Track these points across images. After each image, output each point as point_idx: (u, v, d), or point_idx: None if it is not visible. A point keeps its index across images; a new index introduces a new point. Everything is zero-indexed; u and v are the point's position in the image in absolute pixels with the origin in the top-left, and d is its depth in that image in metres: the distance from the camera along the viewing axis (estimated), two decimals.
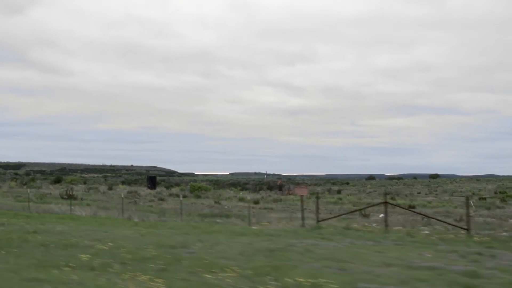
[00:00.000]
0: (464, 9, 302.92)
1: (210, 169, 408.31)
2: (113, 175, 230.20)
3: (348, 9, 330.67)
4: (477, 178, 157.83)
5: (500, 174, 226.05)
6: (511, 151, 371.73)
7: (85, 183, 79.73)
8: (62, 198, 30.00)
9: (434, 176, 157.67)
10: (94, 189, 53.21)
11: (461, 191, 76.14)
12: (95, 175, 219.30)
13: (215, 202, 36.46)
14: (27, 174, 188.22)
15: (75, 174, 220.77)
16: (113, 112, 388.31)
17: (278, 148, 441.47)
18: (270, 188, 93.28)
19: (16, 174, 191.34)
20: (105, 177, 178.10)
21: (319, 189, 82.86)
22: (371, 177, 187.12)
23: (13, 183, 51.72)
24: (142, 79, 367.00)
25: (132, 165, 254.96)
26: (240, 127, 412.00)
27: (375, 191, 78.26)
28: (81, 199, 33.89)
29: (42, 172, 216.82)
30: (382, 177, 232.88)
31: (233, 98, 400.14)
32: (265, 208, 30.94)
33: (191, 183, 60.85)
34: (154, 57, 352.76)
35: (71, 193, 32.96)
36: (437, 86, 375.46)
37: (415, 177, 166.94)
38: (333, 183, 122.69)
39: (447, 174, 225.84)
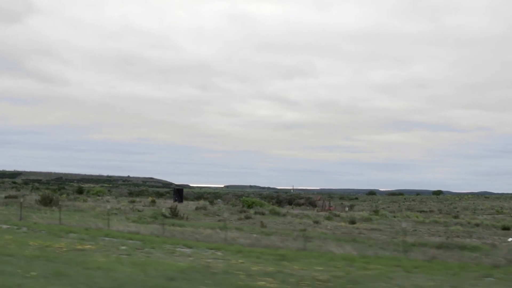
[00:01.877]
0: (461, 26, 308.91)
1: (205, 181, 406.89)
2: (111, 185, 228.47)
3: (347, 24, 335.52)
4: (485, 196, 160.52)
5: (494, 191, 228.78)
6: (505, 168, 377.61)
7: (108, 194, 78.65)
8: (166, 217, 26.31)
9: (438, 193, 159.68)
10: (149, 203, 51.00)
11: (482, 209, 77.43)
12: (92, 185, 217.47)
13: (315, 222, 31.67)
14: (25, 183, 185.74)
15: (71, 183, 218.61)
16: (108, 123, 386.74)
17: (273, 161, 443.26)
18: (298, 204, 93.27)
19: (14, 183, 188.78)
20: (109, 188, 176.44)
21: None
22: (371, 192, 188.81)
23: (63, 196, 50.84)
24: (138, 90, 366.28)
25: (128, 176, 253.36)
26: (235, 140, 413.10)
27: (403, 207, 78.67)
28: (187, 218, 29.48)
29: (39, 181, 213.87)
30: (379, 192, 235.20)
31: (229, 111, 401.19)
32: (372, 229, 28.68)
33: (244, 197, 60.06)
34: (151, 69, 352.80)
35: (175, 212, 29.50)
36: (432, 102, 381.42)
37: (418, 193, 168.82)
38: (331, 197, 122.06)
39: (443, 191, 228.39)
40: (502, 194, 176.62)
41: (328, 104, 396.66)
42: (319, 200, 65.74)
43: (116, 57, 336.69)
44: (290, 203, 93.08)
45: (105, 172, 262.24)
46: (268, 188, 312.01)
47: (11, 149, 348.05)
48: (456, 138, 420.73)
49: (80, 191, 74.21)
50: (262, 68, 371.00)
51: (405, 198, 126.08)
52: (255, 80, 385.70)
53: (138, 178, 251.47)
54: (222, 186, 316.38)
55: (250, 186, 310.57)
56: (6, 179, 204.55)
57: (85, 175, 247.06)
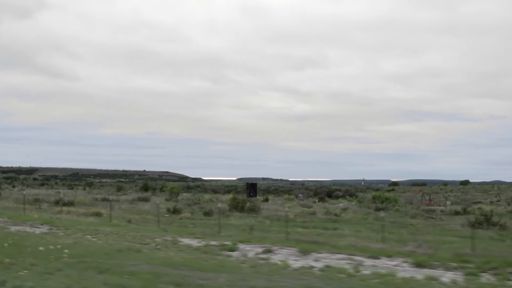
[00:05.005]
0: (477, 14, 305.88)
1: (217, 174, 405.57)
2: (127, 180, 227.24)
3: (359, 13, 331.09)
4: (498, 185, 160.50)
5: (507, 180, 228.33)
6: None
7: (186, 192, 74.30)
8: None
9: (465, 183, 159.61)
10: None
11: None
12: (108, 180, 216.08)
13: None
14: (47, 179, 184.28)
15: (87, 179, 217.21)
16: (119, 118, 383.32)
17: (284, 153, 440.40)
18: (337, 196, 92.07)
19: (35, 179, 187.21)
20: (138, 183, 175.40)
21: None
22: (394, 183, 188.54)
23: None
24: (149, 84, 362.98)
25: (144, 170, 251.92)
26: (246, 132, 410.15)
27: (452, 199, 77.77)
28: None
29: (55, 177, 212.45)
30: (387, 182, 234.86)
31: (240, 104, 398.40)
32: None
33: (374, 193, 56.00)
34: (161, 62, 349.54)
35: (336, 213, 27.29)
36: (445, 92, 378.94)
37: (445, 183, 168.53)
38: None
39: (454, 180, 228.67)
40: None
41: (340, 95, 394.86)
42: (418, 193, 62.51)
43: (126, 51, 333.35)
44: (329, 196, 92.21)
45: (118, 167, 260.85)
46: (281, 180, 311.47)
47: (24, 146, 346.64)
48: (469, 127, 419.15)
49: (145, 188, 72.73)
50: (274, 60, 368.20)
51: (441, 189, 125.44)
52: (267, 72, 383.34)
53: (154, 172, 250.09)
54: (235, 178, 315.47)
55: (263, 179, 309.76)
56: (23, 176, 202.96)
57: (101, 170, 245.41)
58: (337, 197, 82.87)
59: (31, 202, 28.08)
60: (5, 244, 10.58)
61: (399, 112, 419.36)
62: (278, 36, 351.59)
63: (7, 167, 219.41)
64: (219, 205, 22.30)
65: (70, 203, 26.71)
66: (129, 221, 17.63)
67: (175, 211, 25.21)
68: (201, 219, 23.16)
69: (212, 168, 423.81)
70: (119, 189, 76.56)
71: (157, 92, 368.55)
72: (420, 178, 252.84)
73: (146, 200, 35.75)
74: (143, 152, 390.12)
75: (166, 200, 40.87)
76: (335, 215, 28.95)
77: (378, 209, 33.36)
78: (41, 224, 16.70)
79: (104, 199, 33.48)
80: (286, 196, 64.37)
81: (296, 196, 72.16)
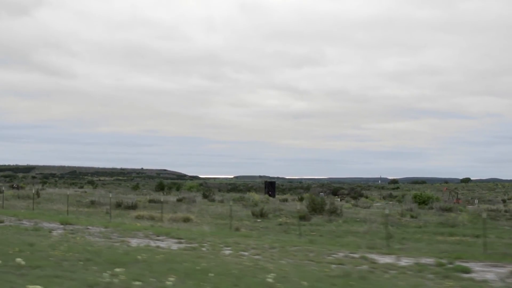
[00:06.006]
0: (477, 12, 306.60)
1: (214, 172, 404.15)
2: (126, 178, 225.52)
3: (358, 11, 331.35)
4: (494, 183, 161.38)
5: (503, 178, 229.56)
6: None
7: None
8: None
9: (466, 180, 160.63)
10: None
11: None
12: (106, 179, 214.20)
13: None
14: (45, 177, 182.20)
15: (85, 177, 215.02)
16: (116, 115, 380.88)
17: (281, 151, 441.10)
18: (342, 194, 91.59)
19: (33, 177, 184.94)
20: (136, 182, 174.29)
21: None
22: (394, 181, 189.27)
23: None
24: (146, 82, 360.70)
25: (142, 168, 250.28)
26: (244, 130, 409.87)
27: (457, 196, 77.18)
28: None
29: (53, 176, 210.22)
30: (385, 180, 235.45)
31: (238, 101, 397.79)
32: None
33: (414, 191, 52.86)
34: (159, 60, 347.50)
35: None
36: (443, 89, 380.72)
37: (446, 181, 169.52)
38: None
39: (452, 178, 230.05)
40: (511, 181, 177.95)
41: (337, 93, 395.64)
42: (445, 191, 61.35)
43: (124, 48, 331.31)
44: (334, 194, 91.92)
45: (115, 165, 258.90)
46: (278, 178, 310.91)
47: (21, 144, 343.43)
48: (466, 125, 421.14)
49: (161, 187, 71.75)
50: (272, 58, 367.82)
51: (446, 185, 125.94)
52: (265, 70, 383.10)
53: (152, 170, 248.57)
54: (232, 176, 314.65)
55: (260, 177, 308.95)
56: (21, 174, 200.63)
57: (98, 168, 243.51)
58: (343, 196, 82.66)
59: (88, 205, 27.44)
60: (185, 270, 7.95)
61: (396, 110, 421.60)
62: (276, 34, 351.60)
63: (4, 165, 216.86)
64: (298, 207, 21.84)
65: (133, 206, 26.09)
66: (237, 229, 16.78)
67: (262, 214, 23.91)
68: (302, 224, 21.04)
69: (209, 166, 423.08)
70: (135, 187, 75.71)
71: (155, 90, 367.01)
72: (417, 175, 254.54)
73: (192, 201, 35.09)
74: (141, 150, 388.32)
75: (207, 199, 40.43)
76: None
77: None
78: (157, 235, 14.07)
79: (151, 201, 32.86)
80: (306, 195, 63.87)
81: (316, 195, 71.46)
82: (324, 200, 26.04)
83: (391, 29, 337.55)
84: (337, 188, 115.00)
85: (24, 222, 17.71)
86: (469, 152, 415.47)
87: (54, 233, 14.35)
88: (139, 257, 9.14)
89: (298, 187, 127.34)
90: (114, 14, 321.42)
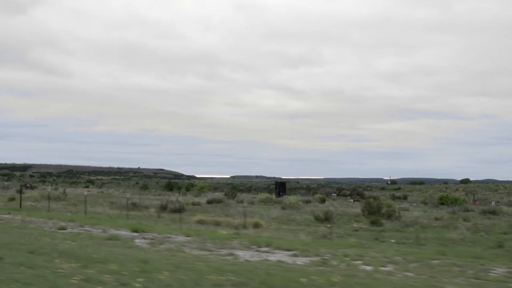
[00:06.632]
0: (472, 13, 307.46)
1: (210, 172, 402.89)
2: (123, 177, 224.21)
3: (354, 11, 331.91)
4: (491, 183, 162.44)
5: (499, 179, 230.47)
6: (510, 156, 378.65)
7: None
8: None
9: (466, 181, 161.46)
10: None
11: None
12: (103, 178, 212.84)
13: None
14: (43, 176, 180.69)
15: (82, 176, 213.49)
16: (112, 114, 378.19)
17: (277, 151, 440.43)
18: (345, 195, 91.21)
19: (31, 176, 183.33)
20: (137, 182, 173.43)
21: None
22: (393, 182, 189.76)
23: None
24: (142, 81, 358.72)
25: (139, 168, 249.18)
26: (240, 130, 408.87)
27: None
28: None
29: (50, 174, 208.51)
30: (381, 181, 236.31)
31: (234, 101, 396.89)
32: None
33: (440, 193, 52.22)
34: (155, 59, 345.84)
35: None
36: (439, 90, 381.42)
37: (445, 181, 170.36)
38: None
39: (449, 179, 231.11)
40: (508, 181, 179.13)
41: (334, 93, 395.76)
42: (461, 192, 61.00)
43: (120, 47, 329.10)
44: (338, 195, 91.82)
45: (111, 164, 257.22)
46: (274, 178, 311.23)
47: (17, 142, 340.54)
48: (462, 125, 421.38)
49: (170, 187, 71.32)
50: (268, 57, 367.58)
51: (446, 188, 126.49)
52: (261, 70, 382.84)
53: (149, 169, 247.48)
54: (228, 176, 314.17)
55: (256, 176, 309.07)
56: (17, 173, 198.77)
57: (95, 167, 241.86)
58: (345, 196, 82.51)
59: (131, 208, 27.02)
60: None
61: (392, 110, 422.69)
62: (272, 34, 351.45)
63: (1, 164, 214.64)
64: (355, 209, 21.59)
65: (180, 209, 25.68)
66: (326, 237, 15.89)
67: (327, 219, 23.11)
68: (379, 230, 19.41)
69: (206, 165, 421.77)
70: (144, 188, 75.19)
71: (151, 89, 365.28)
72: (413, 176, 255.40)
73: (226, 203, 34.73)
74: (137, 149, 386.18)
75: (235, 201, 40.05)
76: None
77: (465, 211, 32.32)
78: (258, 246, 12.41)
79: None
80: (318, 196, 63.61)
81: (327, 195, 71.08)
82: (380, 202, 25.53)
83: (387, 29, 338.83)
84: (338, 189, 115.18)
85: (88, 228, 16.07)
86: (465, 153, 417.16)
87: (137, 242, 12.90)
88: (302, 279, 7.33)
89: (297, 187, 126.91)
90: (110, 13, 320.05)
